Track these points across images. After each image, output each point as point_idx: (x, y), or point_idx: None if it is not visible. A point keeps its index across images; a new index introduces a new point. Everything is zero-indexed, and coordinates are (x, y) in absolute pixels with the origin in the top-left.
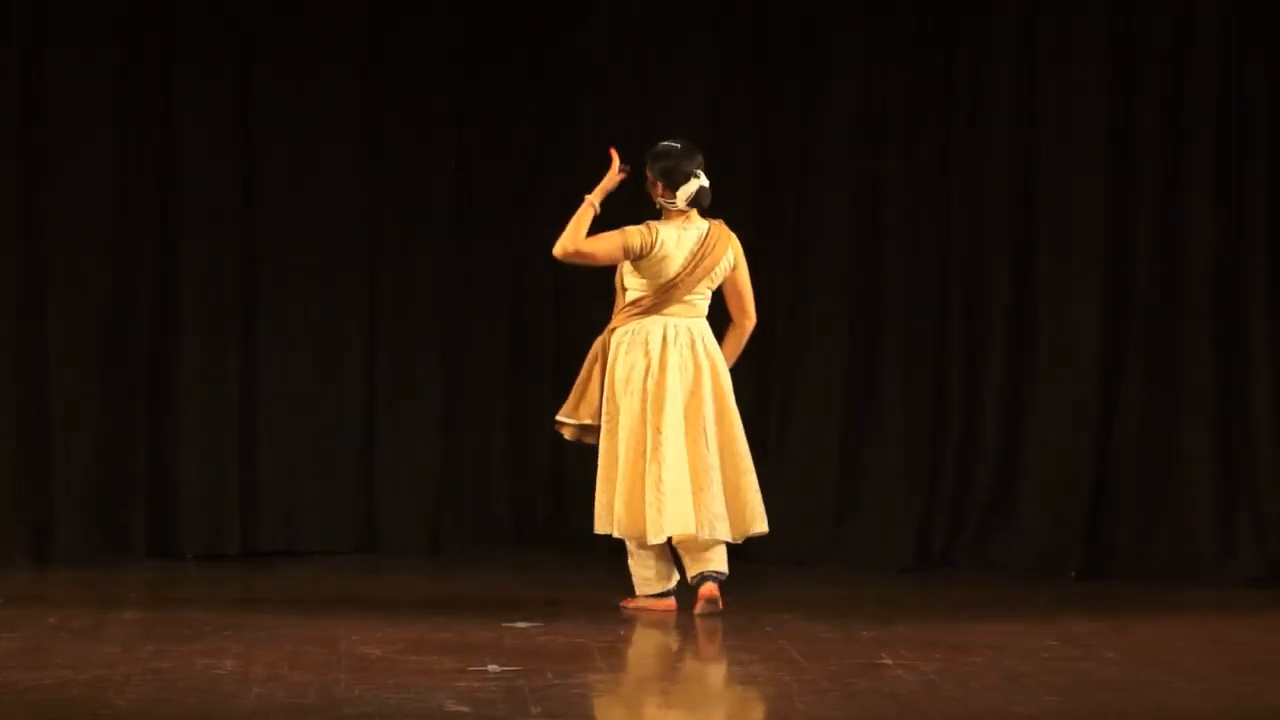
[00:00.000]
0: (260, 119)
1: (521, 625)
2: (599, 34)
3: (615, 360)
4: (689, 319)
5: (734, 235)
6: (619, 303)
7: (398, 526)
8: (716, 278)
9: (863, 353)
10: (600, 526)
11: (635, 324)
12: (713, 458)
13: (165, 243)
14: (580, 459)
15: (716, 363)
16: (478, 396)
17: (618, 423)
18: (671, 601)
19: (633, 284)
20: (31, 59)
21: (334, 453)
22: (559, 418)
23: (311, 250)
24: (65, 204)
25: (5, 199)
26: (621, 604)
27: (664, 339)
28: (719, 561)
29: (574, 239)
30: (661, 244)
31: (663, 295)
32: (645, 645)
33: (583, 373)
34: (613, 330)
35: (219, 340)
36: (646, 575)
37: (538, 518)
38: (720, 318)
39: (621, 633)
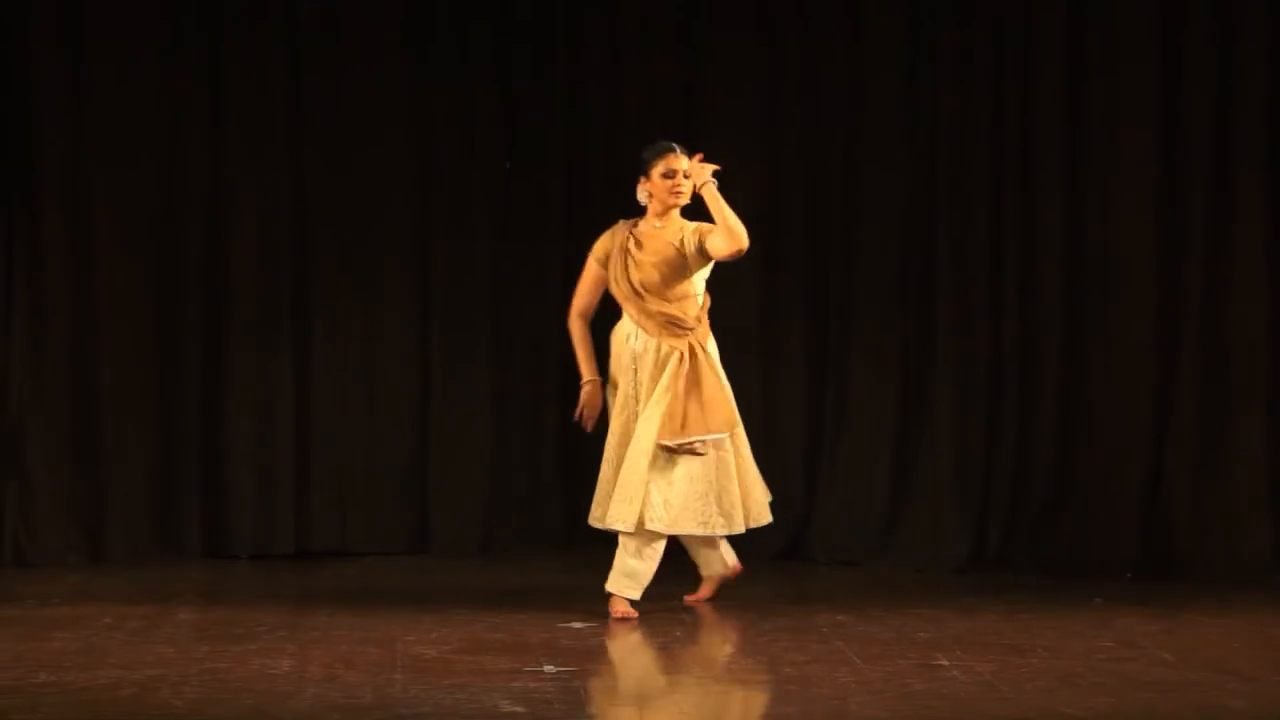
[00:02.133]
0: (306, 121)
1: (576, 626)
2: (639, 35)
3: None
4: None
5: None
6: (694, 309)
7: (450, 527)
8: None
9: (916, 353)
10: (736, 525)
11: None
12: None
13: (216, 245)
14: None
15: None
16: (529, 397)
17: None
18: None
19: (701, 288)
20: (76, 58)
21: (386, 453)
22: (706, 437)
23: (362, 252)
24: (115, 208)
25: (57, 204)
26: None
27: None
28: None
29: (739, 231)
30: None
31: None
32: (701, 646)
33: (709, 386)
34: (700, 338)
35: (271, 341)
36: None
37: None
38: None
39: (677, 634)
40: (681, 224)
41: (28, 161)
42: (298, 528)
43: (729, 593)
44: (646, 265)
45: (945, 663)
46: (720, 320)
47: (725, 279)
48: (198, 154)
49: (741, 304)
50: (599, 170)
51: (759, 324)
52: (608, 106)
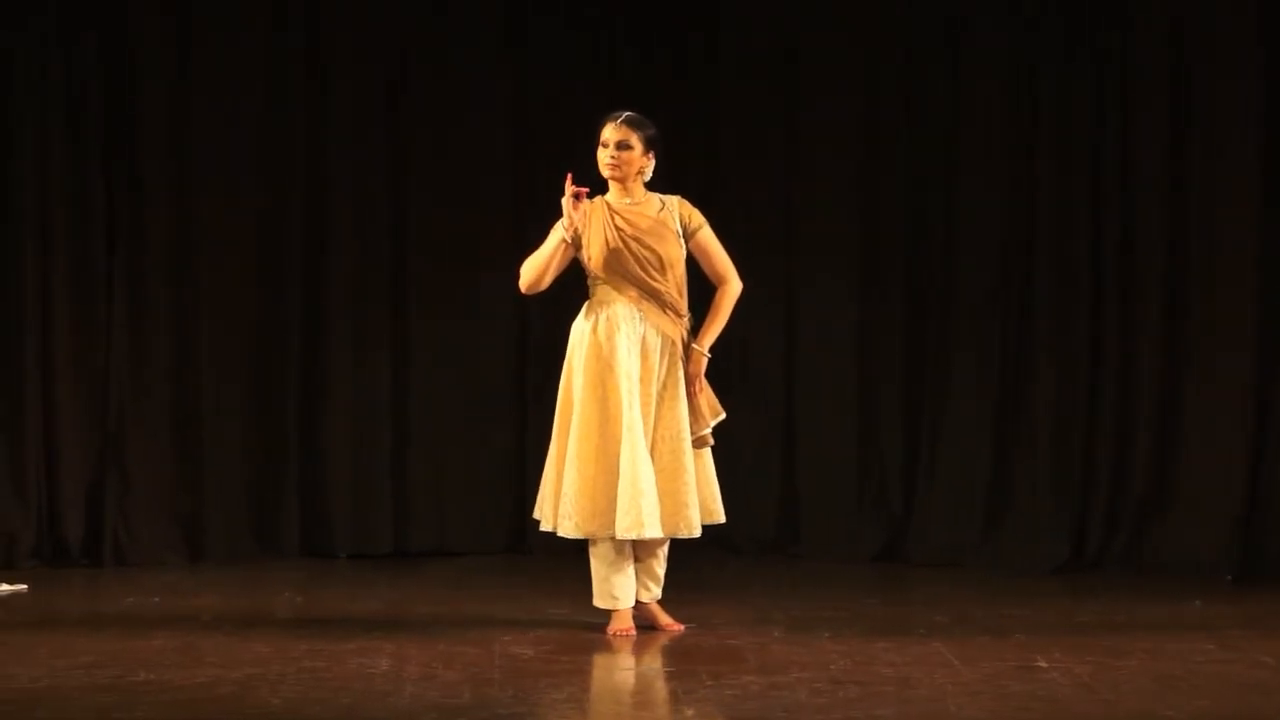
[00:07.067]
0: (407, 127)
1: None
2: (740, 34)
3: None
4: None
5: None
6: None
7: None
8: None
9: (1014, 354)
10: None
11: None
12: None
13: (316, 245)
14: (725, 456)
15: None
16: None
17: None
18: None
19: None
20: (180, 43)
21: (485, 452)
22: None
23: (461, 252)
24: (217, 210)
25: (159, 206)
26: None
27: None
28: None
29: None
30: None
31: None
32: (798, 646)
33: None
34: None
35: (370, 340)
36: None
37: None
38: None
39: (775, 634)
40: (659, 199)
41: (131, 157)
42: (396, 527)
43: (823, 595)
44: (645, 242)
45: (1044, 664)
46: (819, 321)
47: (824, 279)
48: (299, 156)
49: (840, 304)
50: (698, 163)
51: (857, 324)
52: (707, 109)
